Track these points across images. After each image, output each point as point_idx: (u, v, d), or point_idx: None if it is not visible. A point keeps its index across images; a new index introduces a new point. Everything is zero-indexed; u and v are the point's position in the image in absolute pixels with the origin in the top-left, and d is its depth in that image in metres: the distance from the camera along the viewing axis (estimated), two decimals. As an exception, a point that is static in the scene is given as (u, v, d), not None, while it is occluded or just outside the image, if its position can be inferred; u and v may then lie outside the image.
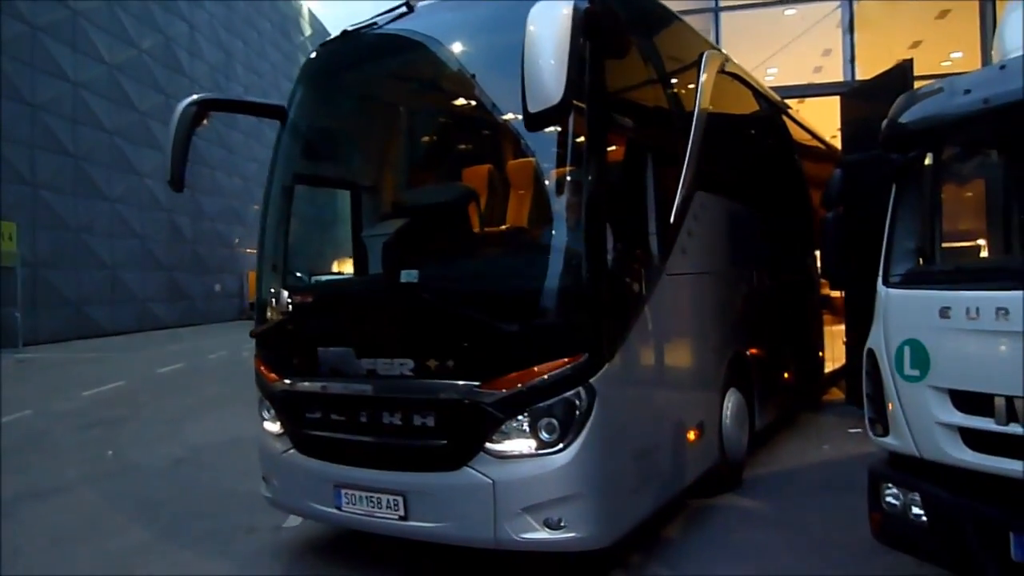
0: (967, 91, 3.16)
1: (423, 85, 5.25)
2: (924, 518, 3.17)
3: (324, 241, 5.52)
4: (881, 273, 3.50)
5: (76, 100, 23.54)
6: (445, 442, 3.76)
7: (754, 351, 6.10)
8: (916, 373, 3.20)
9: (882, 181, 3.72)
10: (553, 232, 3.74)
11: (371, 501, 3.94)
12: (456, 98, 5.03)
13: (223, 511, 5.61)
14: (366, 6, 4.75)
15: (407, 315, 3.98)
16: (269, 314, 4.61)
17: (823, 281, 7.94)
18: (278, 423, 4.43)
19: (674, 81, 5.13)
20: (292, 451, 4.34)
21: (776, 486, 5.77)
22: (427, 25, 4.48)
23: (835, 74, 12.99)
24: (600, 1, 3.79)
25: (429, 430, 3.80)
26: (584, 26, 3.29)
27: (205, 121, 4.56)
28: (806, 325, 8.18)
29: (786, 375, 7.23)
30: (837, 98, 9.47)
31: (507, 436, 3.64)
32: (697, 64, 5.50)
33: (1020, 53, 3.16)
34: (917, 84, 5.54)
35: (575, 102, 3.33)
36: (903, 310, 3.35)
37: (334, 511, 4.12)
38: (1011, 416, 2.89)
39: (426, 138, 5.60)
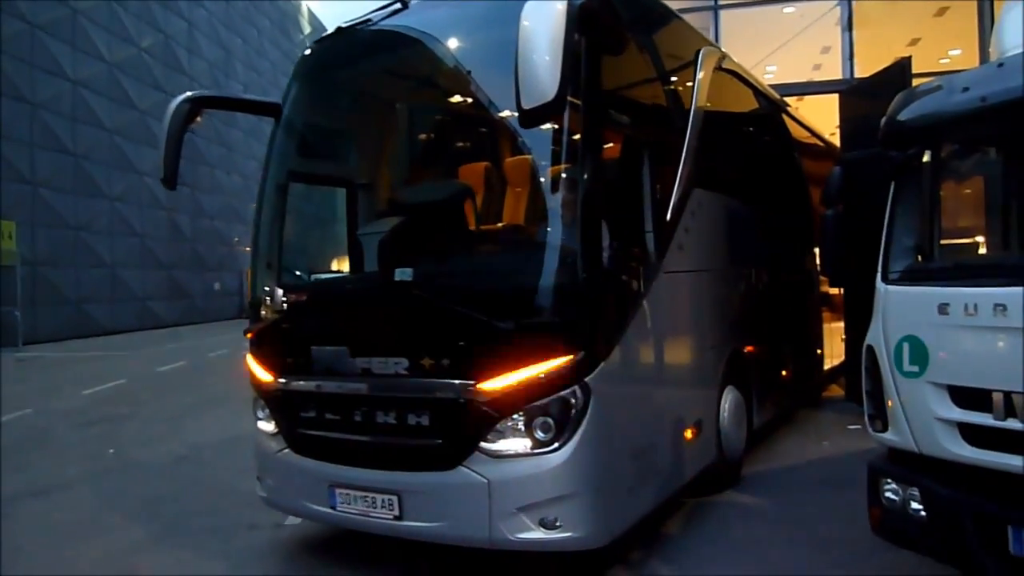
0: (965, 89, 3.16)
1: (417, 82, 5.24)
2: (923, 513, 3.19)
3: (318, 239, 5.51)
4: (880, 270, 3.50)
5: (76, 98, 23.51)
6: (440, 441, 3.74)
7: (752, 349, 6.09)
8: (915, 369, 3.21)
9: (881, 179, 3.71)
10: (548, 230, 3.71)
11: (366, 501, 3.93)
12: (451, 95, 5.01)
13: (224, 508, 5.61)
14: (365, 5, 4.73)
15: (402, 313, 3.96)
16: (263, 313, 4.59)
17: (822, 278, 7.93)
18: (272, 422, 4.42)
19: (670, 78, 5.11)
20: (286, 450, 4.33)
21: (776, 482, 5.77)
22: (421, 21, 4.46)
23: (834, 72, 12.99)
24: None
25: (424, 429, 3.78)
26: (578, 22, 3.26)
27: (199, 118, 4.54)
28: (805, 323, 8.16)
29: (784, 373, 7.22)
30: (836, 96, 9.47)
31: (502, 435, 3.62)
32: (694, 61, 5.48)
33: (1018, 51, 3.16)
34: (915, 81, 5.52)
35: (570, 98, 3.31)
36: (902, 307, 3.35)
37: (329, 511, 4.11)
38: (1009, 411, 2.90)
39: (420, 135, 5.58)
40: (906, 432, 3.27)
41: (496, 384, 3.60)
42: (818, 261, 7.62)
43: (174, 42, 29.75)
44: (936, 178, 3.56)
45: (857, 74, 12.24)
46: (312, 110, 5.09)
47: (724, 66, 6.10)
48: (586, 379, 3.60)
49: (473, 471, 3.66)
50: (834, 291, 8.46)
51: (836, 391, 9.16)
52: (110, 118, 25.02)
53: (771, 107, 7.94)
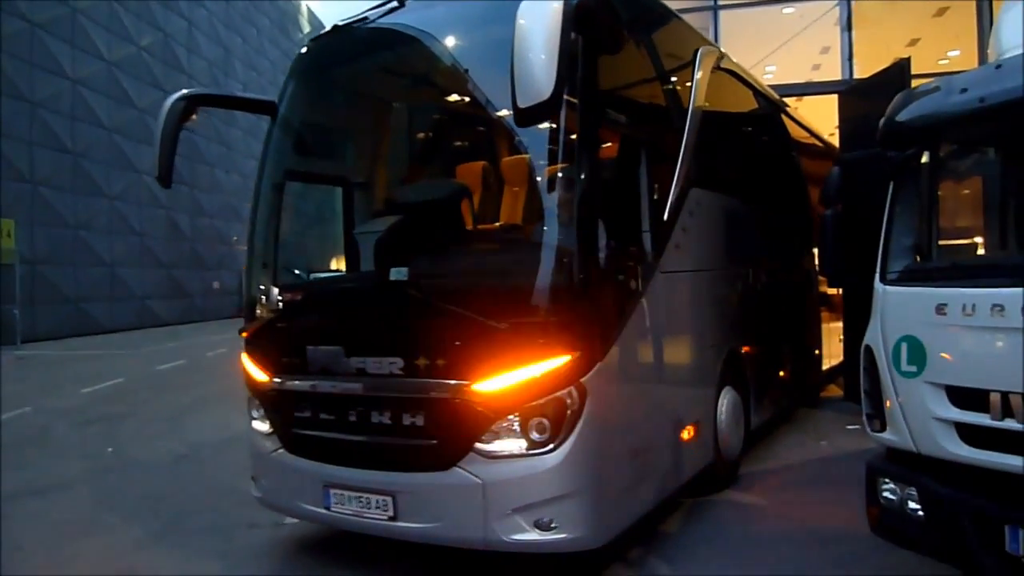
0: (964, 89, 3.16)
1: (414, 80, 5.22)
2: (921, 512, 3.20)
3: (314, 238, 5.49)
4: (878, 270, 3.50)
5: (75, 97, 23.51)
6: (435, 442, 3.72)
7: (750, 349, 6.07)
8: (913, 369, 3.22)
9: (880, 179, 3.71)
10: (544, 229, 3.69)
11: (360, 501, 3.92)
12: (447, 93, 4.99)
13: (223, 507, 5.60)
14: (366, 5, 4.71)
15: (397, 313, 3.94)
16: (258, 312, 4.58)
17: (821, 278, 7.92)
18: (267, 422, 4.40)
19: (668, 77, 5.10)
20: (281, 451, 4.31)
21: (774, 482, 5.76)
22: (418, 20, 4.44)
23: (833, 72, 12.98)
24: None
25: (419, 430, 3.76)
26: (575, 20, 3.24)
27: (194, 116, 4.53)
28: (803, 323, 8.15)
29: (783, 373, 7.21)
30: (835, 96, 9.46)
31: (497, 436, 3.60)
32: (692, 60, 5.46)
33: (1016, 52, 3.17)
34: (914, 82, 5.54)
35: (566, 97, 3.29)
36: (900, 307, 3.36)
37: (323, 511, 4.09)
38: (1007, 412, 2.90)
39: (417, 134, 5.56)
40: (904, 432, 3.28)
41: (491, 384, 3.58)
42: (816, 261, 7.62)
43: (173, 41, 29.74)
44: (934, 179, 3.56)
45: (856, 74, 12.23)
46: (308, 108, 5.07)
47: (722, 66, 6.09)
48: (582, 380, 3.58)
49: (468, 472, 3.64)
50: (832, 291, 8.45)
51: (835, 391, 9.15)
52: (109, 117, 25.02)
53: (770, 107, 7.93)
